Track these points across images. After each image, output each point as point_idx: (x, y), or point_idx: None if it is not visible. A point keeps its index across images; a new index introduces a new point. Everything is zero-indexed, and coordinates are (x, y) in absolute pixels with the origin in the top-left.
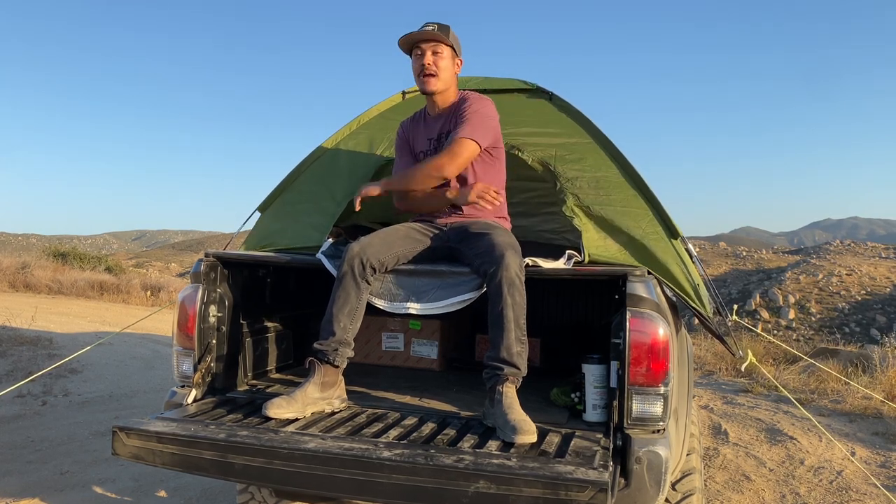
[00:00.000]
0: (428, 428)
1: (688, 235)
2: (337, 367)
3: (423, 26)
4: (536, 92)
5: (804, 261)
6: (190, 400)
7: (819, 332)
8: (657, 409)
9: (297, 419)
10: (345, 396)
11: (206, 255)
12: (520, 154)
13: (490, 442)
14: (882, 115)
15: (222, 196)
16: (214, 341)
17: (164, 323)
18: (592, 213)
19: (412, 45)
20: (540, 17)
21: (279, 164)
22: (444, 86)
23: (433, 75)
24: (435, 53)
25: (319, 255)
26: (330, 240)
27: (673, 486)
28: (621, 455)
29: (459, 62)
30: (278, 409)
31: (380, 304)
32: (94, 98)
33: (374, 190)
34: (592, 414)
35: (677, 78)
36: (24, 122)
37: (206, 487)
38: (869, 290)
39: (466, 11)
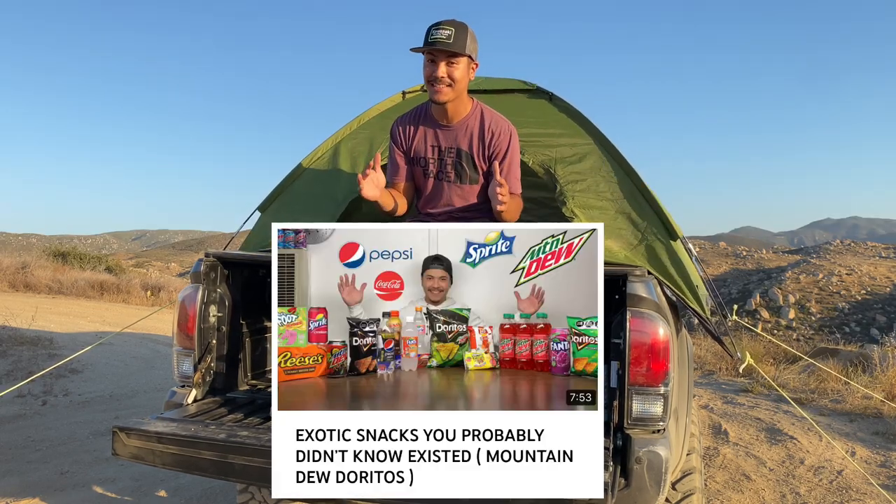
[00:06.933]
0: None
1: (688, 235)
2: None
3: (437, 25)
4: (537, 92)
5: (804, 260)
6: (190, 400)
7: (819, 331)
8: (657, 409)
9: None
10: None
11: (206, 255)
12: (521, 156)
13: None
14: (882, 115)
15: (222, 196)
16: (214, 341)
17: (164, 323)
18: (592, 214)
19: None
20: (538, 14)
21: (280, 164)
22: (457, 95)
23: (447, 86)
24: (450, 64)
25: None
26: None
27: (673, 485)
28: (621, 455)
29: (475, 67)
30: None
31: None
32: (95, 97)
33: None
34: None
35: (677, 77)
36: (24, 123)
37: (206, 487)
38: (869, 289)
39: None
